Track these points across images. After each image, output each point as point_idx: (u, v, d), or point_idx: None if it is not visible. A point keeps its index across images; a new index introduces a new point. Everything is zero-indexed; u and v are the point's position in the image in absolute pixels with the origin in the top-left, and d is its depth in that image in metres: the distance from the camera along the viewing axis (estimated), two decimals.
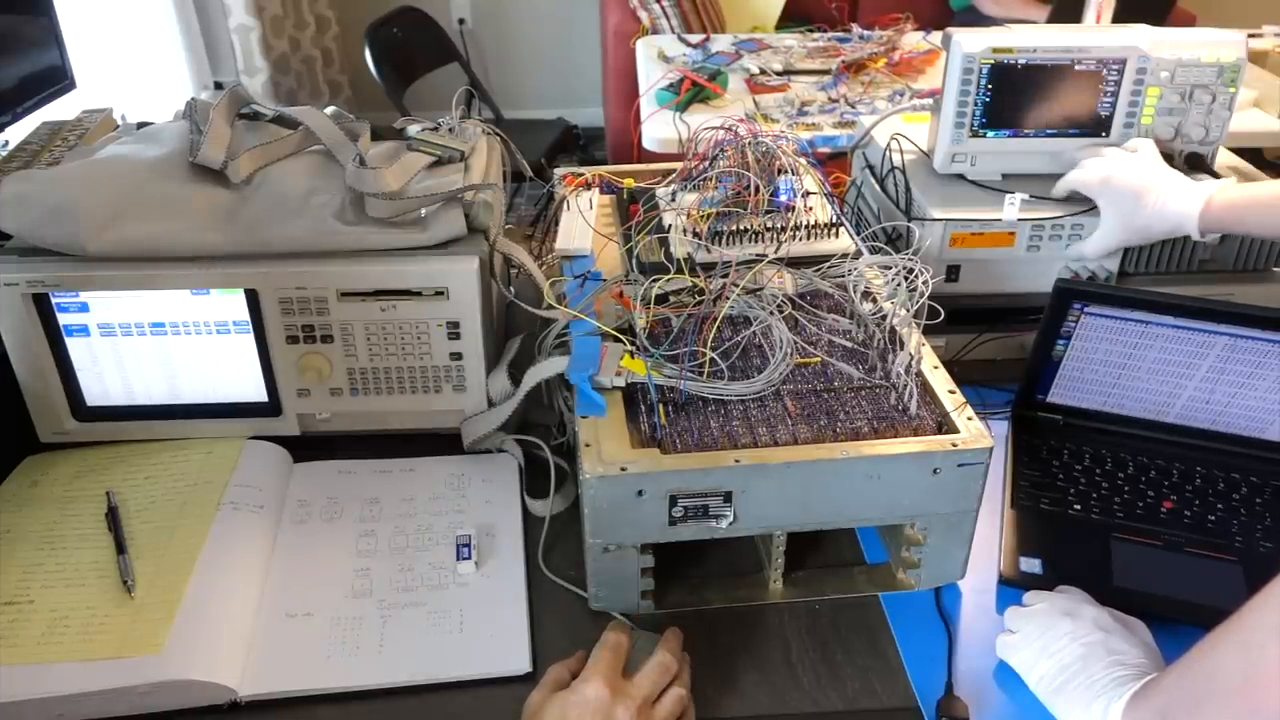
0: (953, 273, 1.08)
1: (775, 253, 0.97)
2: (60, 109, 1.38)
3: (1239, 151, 1.22)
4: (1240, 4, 2.81)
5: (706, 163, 1.04)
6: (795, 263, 0.96)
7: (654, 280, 0.90)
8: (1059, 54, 1.06)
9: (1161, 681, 0.65)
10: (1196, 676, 0.62)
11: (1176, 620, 0.79)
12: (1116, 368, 0.96)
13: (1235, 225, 0.99)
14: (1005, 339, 1.11)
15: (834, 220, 1.02)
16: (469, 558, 0.84)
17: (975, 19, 3.01)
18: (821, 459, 0.75)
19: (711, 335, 0.84)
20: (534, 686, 0.71)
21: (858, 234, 1.03)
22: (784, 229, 0.99)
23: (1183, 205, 0.98)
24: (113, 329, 0.90)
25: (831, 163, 1.40)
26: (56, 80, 1.46)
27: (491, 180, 0.99)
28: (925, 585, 0.84)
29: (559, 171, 1.20)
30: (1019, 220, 1.05)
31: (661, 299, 0.91)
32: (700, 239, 0.98)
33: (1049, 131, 1.10)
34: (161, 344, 0.91)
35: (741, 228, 0.99)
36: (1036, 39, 1.05)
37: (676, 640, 0.75)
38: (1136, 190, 1.00)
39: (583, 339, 0.85)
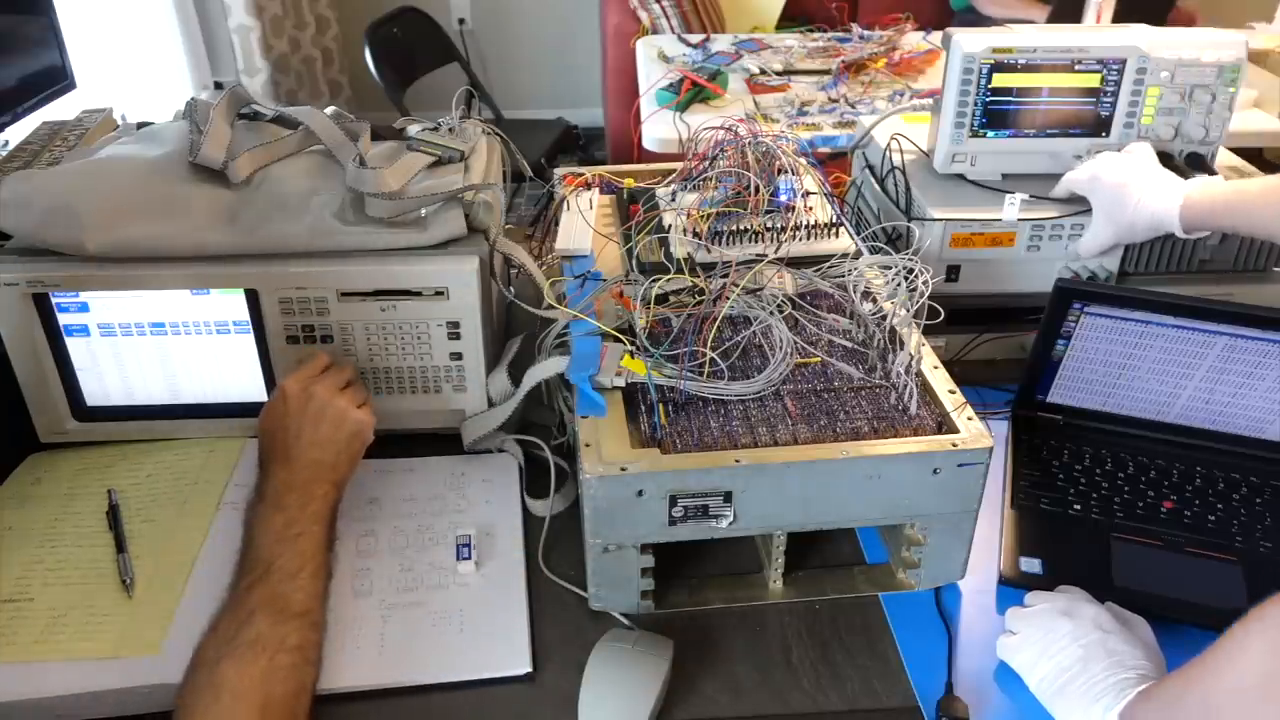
0: (953, 273, 1.08)
1: (775, 253, 0.97)
2: (60, 109, 1.38)
3: (1239, 151, 1.21)
4: (1240, 4, 2.80)
5: (706, 163, 1.04)
6: (795, 263, 0.96)
7: (654, 280, 0.90)
8: (1059, 54, 1.06)
9: (1148, 707, 0.65)
10: None
11: (1177, 620, 0.79)
12: (1116, 368, 0.96)
13: (1214, 224, 0.97)
14: (1005, 339, 1.11)
15: (834, 220, 1.02)
16: (469, 558, 0.84)
17: (975, 19, 3.00)
18: (821, 459, 0.75)
19: (711, 335, 0.84)
20: (534, 687, 0.71)
21: (858, 234, 1.03)
22: (784, 229, 0.99)
23: (1162, 203, 0.97)
24: (113, 329, 0.90)
25: (831, 163, 1.40)
26: (56, 80, 1.46)
27: (491, 180, 0.99)
28: (925, 585, 0.84)
29: (559, 171, 1.20)
30: (1019, 220, 1.05)
31: (661, 299, 0.91)
32: (700, 239, 0.98)
33: (1049, 131, 1.10)
34: (161, 344, 0.91)
35: (741, 228, 0.99)
36: (1036, 39, 1.05)
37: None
38: (1120, 187, 1.00)
39: (583, 339, 0.85)
